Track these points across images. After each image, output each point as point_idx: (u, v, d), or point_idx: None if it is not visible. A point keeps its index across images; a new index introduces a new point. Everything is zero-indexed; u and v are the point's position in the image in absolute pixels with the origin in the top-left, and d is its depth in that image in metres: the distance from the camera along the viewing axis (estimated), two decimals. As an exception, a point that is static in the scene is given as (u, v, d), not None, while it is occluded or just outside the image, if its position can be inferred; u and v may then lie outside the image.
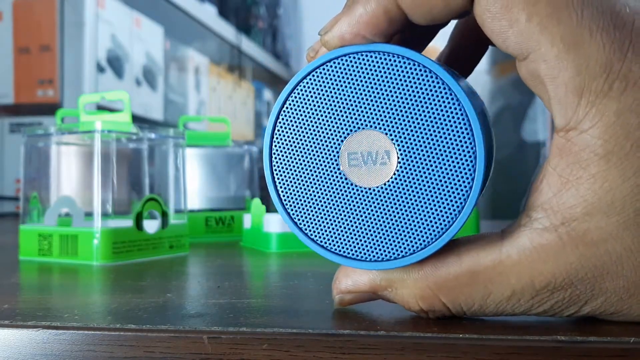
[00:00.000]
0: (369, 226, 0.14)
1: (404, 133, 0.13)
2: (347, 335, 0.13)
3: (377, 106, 0.14)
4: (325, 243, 0.14)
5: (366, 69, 0.14)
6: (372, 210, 0.14)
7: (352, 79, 0.14)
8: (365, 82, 0.14)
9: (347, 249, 0.14)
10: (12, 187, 0.70)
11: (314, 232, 0.14)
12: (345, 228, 0.14)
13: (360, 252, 0.14)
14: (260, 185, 0.44)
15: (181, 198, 0.31)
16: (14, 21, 0.69)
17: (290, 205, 0.14)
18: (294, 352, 0.13)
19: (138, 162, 0.32)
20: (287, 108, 0.14)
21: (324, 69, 0.14)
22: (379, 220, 0.14)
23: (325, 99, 0.14)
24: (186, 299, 0.18)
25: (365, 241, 0.14)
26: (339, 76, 0.14)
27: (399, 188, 0.13)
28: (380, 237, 0.14)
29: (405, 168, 0.13)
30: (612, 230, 0.12)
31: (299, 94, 0.14)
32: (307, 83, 0.14)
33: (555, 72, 0.12)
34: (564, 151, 0.13)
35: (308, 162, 0.14)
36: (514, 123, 1.17)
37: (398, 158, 0.13)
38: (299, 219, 0.14)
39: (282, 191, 0.15)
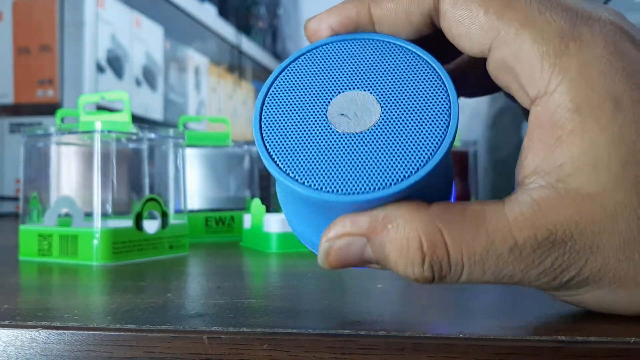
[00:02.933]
0: (355, 163, 0.14)
1: (386, 89, 0.15)
2: (347, 335, 0.13)
3: (362, 74, 0.15)
4: (313, 184, 0.14)
5: (355, 49, 0.16)
6: (358, 150, 0.14)
7: (343, 57, 0.16)
8: (354, 58, 0.16)
9: (335, 185, 0.14)
10: (12, 187, 0.70)
11: (300, 174, 0.14)
12: (332, 167, 0.14)
13: (347, 186, 0.14)
14: (260, 186, 0.44)
15: (181, 198, 0.31)
16: (13, 21, 0.69)
17: (276, 152, 0.15)
18: (294, 352, 0.13)
19: (138, 162, 0.32)
20: (283, 76, 0.16)
21: (320, 50, 0.16)
22: (366, 157, 0.14)
23: (317, 71, 0.16)
24: (186, 299, 0.18)
25: (352, 176, 0.14)
26: (331, 54, 0.16)
27: (382, 129, 0.15)
28: (367, 171, 0.14)
29: (388, 114, 0.15)
30: (604, 184, 0.13)
31: (295, 66, 0.16)
32: (303, 59, 0.16)
33: (516, 48, 0.14)
34: (540, 118, 0.13)
35: (297, 116, 0.15)
36: (514, 123, 1.17)
37: (381, 108, 0.15)
38: (284, 164, 0.15)
39: (268, 140, 0.15)
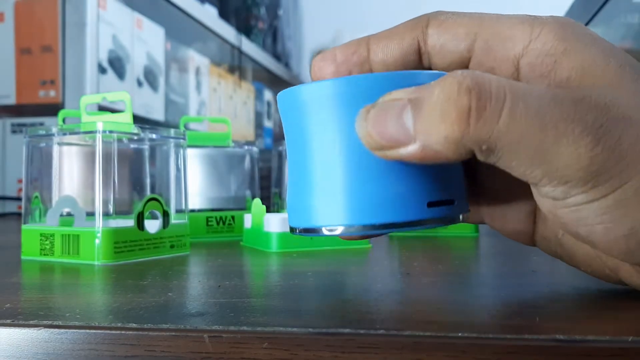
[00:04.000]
0: None
1: None
2: (347, 334, 0.13)
3: None
4: None
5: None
6: None
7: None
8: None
9: None
10: (14, 187, 0.70)
11: None
12: None
13: None
14: (260, 185, 0.44)
15: (182, 198, 0.31)
16: (15, 22, 0.69)
17: None
18: (294, 351, 0.13)
19: (139, 163, 0.32)
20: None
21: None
22: None
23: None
24: (187, 298, 0.18)
25: None
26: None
27: None
28: None
29: None
30: (611, 79, 0.14)
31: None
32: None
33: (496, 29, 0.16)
34: (534, 59, 0.15)
35: None
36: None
37: None
38: None
39: None
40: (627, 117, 0.13)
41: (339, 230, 0.15)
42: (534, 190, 0.15)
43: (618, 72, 0.14)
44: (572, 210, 0.14)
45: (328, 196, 0.15)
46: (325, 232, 0.15)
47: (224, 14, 1.09)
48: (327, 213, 0.15)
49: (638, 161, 0.13)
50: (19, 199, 0.68)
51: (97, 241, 0.26)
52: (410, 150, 0.13)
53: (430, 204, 0.15)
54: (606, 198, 0.13)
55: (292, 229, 0.16)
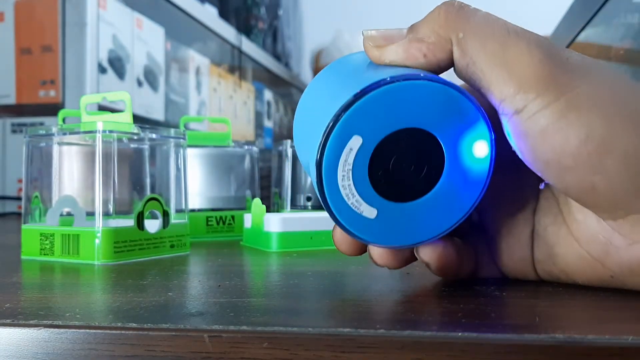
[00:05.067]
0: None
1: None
2: (347, 334, 0.13)
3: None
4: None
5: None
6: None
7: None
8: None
9: None
10: (14, 186, 0.70)
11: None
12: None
13: None
14: (260, 185, 0.44)
15: (182, 198, 0.31)
16: (15, 22, 0.69)
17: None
18: (294, 350, 0.13)
19: (139, 162, 0.32)
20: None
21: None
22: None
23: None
24: (187, 297, 0.18)
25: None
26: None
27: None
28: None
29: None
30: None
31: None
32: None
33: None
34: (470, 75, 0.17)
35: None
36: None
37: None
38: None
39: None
40: (574, 54, 0.16)
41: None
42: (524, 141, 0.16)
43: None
44: (532, 121, 0.15)
45: None
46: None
47: (224, 14, 1.10)
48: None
49: (586, 73, 0.15)
50: (19, 198, 0.68)
51: (97, 241, 0.26)
52: (401, 43, 0.17)
53: None
54: (559, 101, 0.15)
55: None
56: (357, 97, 0.15)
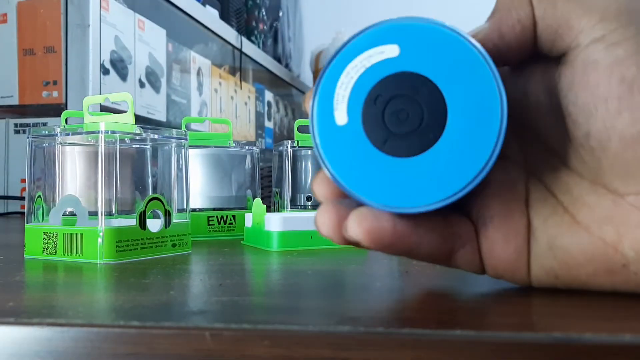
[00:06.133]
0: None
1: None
2: (347, 332, 0.13)
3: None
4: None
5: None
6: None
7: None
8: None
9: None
10: (18, 186, 0.70)
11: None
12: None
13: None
14: (261, 185, 0.44)
15: (184, 197, 0.31)
16: (18, 23, 0.69)
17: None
18: (294, 348, 0.13)
19: (141, 163, 0.32)
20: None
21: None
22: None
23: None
24: (189, 296, 0.18)
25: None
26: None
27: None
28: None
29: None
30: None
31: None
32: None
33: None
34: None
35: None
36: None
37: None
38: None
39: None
40: None
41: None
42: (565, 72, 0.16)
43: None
44: (608, 50, 0.15)
45: None
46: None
47: (225, 16, 1.10)
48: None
49: None
50: (22, 198, 0.69)
51: (99, 240, 0.26)
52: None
53: None
54: (637, 38, 0.15)
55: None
56: (365, 30, 0.15)
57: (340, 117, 0.15)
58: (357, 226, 0.15)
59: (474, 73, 0.15)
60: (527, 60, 0.17)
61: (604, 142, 0.15)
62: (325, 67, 0.15)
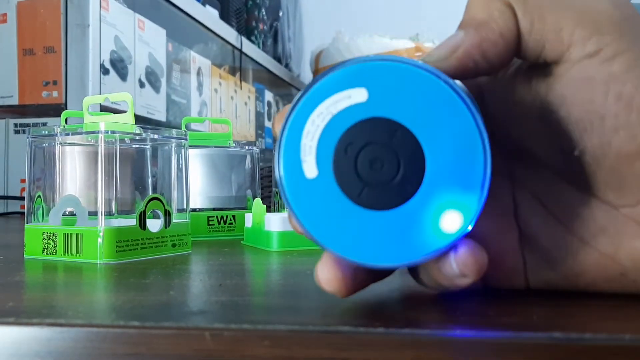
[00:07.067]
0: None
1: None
2: (347, 332, 0.13)
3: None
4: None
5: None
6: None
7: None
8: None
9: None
10: (18, 186, 0.70)
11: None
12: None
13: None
14: (261, 185, 0.44)
15: (184, 197, 0.31)
16: (18, 23, 0.69)
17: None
18: (294, 348, 0.13)
19: (141, 163, 0.32)
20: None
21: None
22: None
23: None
24: (189, 296, 0.18)
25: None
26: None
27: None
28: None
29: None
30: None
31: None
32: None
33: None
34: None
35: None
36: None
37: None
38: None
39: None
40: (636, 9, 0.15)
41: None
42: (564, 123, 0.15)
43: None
44: (604, 66, 0.14)
45: None
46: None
47: (224, 16, 1.10)
48: None
49: None
50: (22, 198, 0.69)
51: (99, 240, 0.26)
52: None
53: None
54: (632, 51, 0.14)
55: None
56: (329, 72, 0.14)
57: (310, 169, 0.14)
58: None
59: (450, 115, 0.14)
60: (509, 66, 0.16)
61: (599, 158, 0.15)
62: (288, 115, 0.14)
